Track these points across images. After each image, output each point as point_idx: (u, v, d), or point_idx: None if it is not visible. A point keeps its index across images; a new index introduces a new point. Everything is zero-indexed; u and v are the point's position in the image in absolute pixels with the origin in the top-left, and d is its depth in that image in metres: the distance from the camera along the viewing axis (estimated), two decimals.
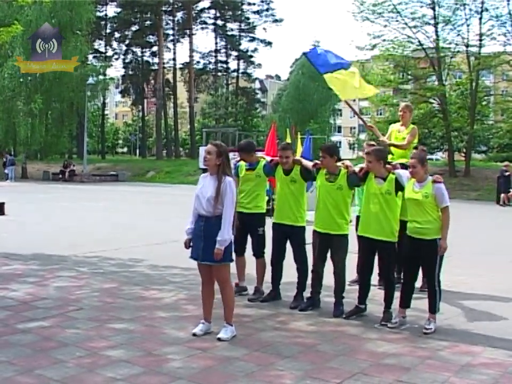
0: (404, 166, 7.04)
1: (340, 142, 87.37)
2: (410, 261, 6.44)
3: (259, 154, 8.02)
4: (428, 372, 5.02)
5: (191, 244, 5.87)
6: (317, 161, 7.09)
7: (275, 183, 8.17)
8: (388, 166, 6.63)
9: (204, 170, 6.10)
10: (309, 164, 7.16)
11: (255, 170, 7.43)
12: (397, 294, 6.60)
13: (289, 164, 7.13)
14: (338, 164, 6.83)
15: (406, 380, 4.82)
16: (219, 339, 5.71)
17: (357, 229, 7.32)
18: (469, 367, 5.16)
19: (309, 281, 7.21)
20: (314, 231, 6.99)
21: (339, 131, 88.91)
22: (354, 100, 8.75)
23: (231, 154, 6.26)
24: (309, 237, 7.20)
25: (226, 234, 5.65)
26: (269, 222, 7.48)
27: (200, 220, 5.77)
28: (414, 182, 6.35)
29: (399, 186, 6.47)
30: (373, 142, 8.68)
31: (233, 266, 7.39)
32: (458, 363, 5.26)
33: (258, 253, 7.53)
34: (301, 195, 7.24)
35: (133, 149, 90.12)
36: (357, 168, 6.80)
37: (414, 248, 6.34)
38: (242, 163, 7.54)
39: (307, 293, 7.16)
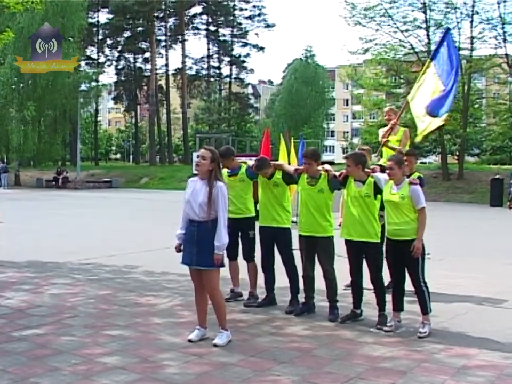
0: (383, 169, 7.10)
1: (333, 146, 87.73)
2: (394, 263, 6.48)
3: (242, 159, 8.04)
4: (424, 375, 5.03)
5: (181, 248, 5.90)
6: (298, 167, 7.19)
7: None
8: (367, 169, 6.71)
9: (195, 175, 6.10)
10: (290, 168, 7.32)
11: (237, 176, 7.46)
12: (390, 298, 6.63)
13: (269, 173, 7.23)
14: (319, 167, 6.93)
15: (403, 383, 4.83)
16: (215, 345, 5.70)
17: None
18: (464, 370, 5.17)
19: (301, 287, 7.22)
20: (300, 236, 7.05)
21: (332, 135, 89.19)
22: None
23: None
24: (296, 243, 7.22)
25: (223, 239, 5.69)
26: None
27: (192, 225, 5.78)
28: (391, 185, 6.45)
29: (378, 189, 6.56)
30: (366, 147, 8.71)
31: (227, 271, 7.41)
32: (454, 366, 5.27)
33: (249, 257, 7.55)
34: (284, 198, 7.31)
35: (126, 155, 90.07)
36: (337, 173, 6.89)
37: (395, 250, 6.41)
38: (223, 171, 7.55)
39: (302, 298, 7.16)
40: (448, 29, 8.64)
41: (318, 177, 6.89)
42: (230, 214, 6.96)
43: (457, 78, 8.14)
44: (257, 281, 7.57)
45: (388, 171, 6.47)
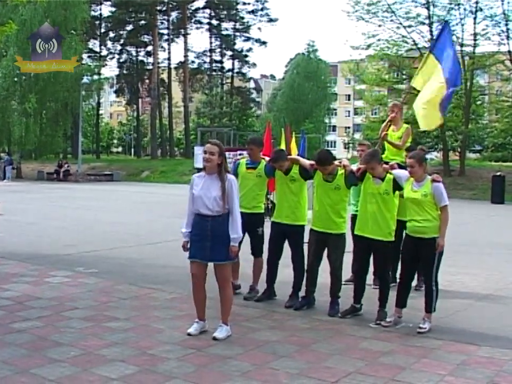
0: (400, 166, 7.07)
1: (335, 142, 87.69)
2: (410, 260, 6.43)
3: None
4: (423, 370, 5.03)
5: (188, 246, 5.87)
6: (313, 162, 7.01)
7: (273, 185, 8.15)
8: (385, 166, 6.64)
9: (199, 170, 6.07)
10: (306, 162, 7.11)
11: (256, 170, 7.38)
12: (392, 293, 6.62)
13: (285, 167, 7.12)
14: (336, 162, 6.82)
15: (401, 379, 4.83)
16: (214, 338, 5.71)
17: (352, 228, 7.31)
18: (464, 366, 5.17)
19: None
20: (312, 230, 6.98)
21: (333, 130, 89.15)
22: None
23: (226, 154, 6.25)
24: (305, 237, 7.20)
25: (239, 231, 5.75)
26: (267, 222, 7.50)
27: (205, 220, 5.73)
28: (412, 182, 6.37)
29: (397, 186, 6.49)
30: (367, 142, 8.69)
31: None
32: (453, 362, 5.27)
33: (258, 252, 7.52)
34: (301, 194, 7.21)
35: (128, 148, 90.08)
36: (354, 167, 6.80)
37: (413, 247, 6.35)
38: (242, 161, 7.51)
39: (302, 292, 7.16)
40: (446, 22, 8.62)
41: (335, 173, 6.77)
42: (241, 209, 6.71)
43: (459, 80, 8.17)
44: (260, 277, 7.56)
45: (408, 169, 6.38)
